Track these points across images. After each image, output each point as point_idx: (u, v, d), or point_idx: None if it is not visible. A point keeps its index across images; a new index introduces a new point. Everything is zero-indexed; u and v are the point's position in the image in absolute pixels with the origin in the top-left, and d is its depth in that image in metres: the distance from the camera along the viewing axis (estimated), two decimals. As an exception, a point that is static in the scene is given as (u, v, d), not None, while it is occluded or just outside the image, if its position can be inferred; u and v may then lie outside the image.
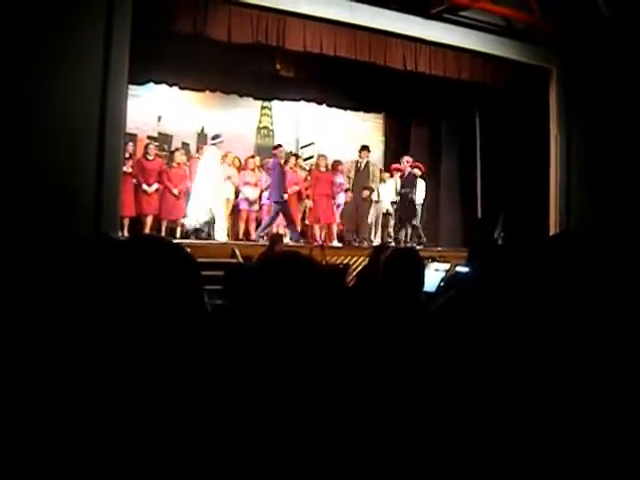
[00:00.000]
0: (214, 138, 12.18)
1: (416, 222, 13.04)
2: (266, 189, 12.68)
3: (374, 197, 13.20)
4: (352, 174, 12.88)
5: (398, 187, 13.18)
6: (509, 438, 1.78)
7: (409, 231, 13.42)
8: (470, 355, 2.01)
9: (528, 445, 1.75)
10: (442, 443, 1.81)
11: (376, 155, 13.91)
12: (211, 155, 11.96)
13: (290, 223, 12.23)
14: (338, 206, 13.23)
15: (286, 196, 12.07)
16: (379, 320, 2.67)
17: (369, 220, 13.21)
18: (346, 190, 13.04)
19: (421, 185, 13.50)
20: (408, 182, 12.91)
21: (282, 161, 12.27)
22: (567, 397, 1.77)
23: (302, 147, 14.89)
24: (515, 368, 1.87)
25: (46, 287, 1.75)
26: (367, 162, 13.04)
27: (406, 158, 13.23)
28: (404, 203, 12.89)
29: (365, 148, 13.12)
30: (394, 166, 13.53)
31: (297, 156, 13.45)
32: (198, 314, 1.69)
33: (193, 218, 11.75)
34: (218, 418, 1.55)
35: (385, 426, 1.88)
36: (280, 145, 12.70)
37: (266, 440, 1.60)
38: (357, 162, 13.02)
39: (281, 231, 11.99)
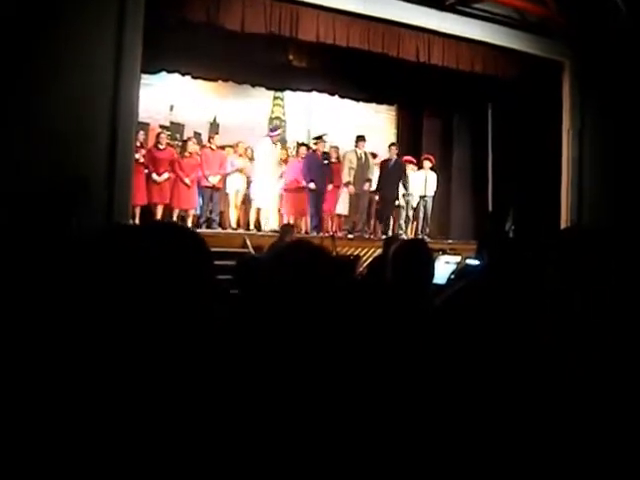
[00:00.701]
0: (272, 130, 12.45)
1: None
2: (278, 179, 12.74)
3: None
4: (354, 165, 12.76)
5: (410, 179, 13.17)
6: (511, 434, 1.79)
7: (420, 223, 13.43)
8: (475, 350, 2.01)
9: (529, 439, 1.76)
10: (446, 436, 1.82)
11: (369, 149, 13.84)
12: (265, 148, 12.25)
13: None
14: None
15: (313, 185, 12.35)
16: (387, 312, 2.68)
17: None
18: (346, 184, 12.92)
19: (432, 177, 13.48)
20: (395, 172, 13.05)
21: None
22: (568, 395, 1.78)
23: (314, 138, 14.88)
24: (518, 365, 1.88)
25: (59, 274, 1.75)
26: (365, 153, 13.05)
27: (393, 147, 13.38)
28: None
29: (361, 138, 13.07)
30: (406, 158, 13.49)
31: (307, 146, 13.43)
32: (212, 300, 1.68)
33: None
34: (228, 408, 1.55)
35: (391, 419, 1.88)
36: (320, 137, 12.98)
37: (275, 432, 1.61)
38: (356, 152, 12.91)
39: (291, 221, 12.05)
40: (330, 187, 12.90)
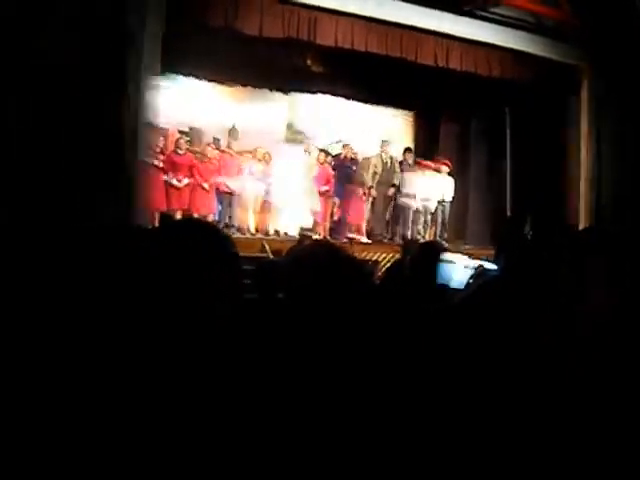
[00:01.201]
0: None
1: None
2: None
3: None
4: (379, 169, 12.78)
5: (428, 184, 13.19)
6: (511, 434, 1.79)
7: (438, 228, 13.42)
8: (484, 351, 2.02)
9: (529, 439, 1.76)
10: (450, 435, 1.83)
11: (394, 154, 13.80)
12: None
13: None
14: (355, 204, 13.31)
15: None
16: (404, 315, 2.69)
17: (387, 217, 13.28)
18: (369, 188, 12.95)
19: (450, 182, 13.47)
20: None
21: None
22: (567, 396, 1.78)
23: (343, 145, 14.92)
24: (523, 365, 1.88)
25: (86, 270, 1.77)
26: (391, 157, 13.05)
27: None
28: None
29: (386, 142, 13.14)
30: (424, 163, 13.47)
31: (327, 152, 13.44)
32: (215, 299, 1.68)
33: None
34: (231, 408, 1.56)
35: (402, 419, 1.89)
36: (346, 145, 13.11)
37: (283, 433, 1.62)
38: (381, 156, 12.94)
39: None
40: (360, 192, 12.96)
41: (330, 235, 12.79)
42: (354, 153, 13.41)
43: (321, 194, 12.54)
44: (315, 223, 12.46)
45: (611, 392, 1.76)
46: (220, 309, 1.63)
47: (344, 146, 13.27)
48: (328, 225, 12.94)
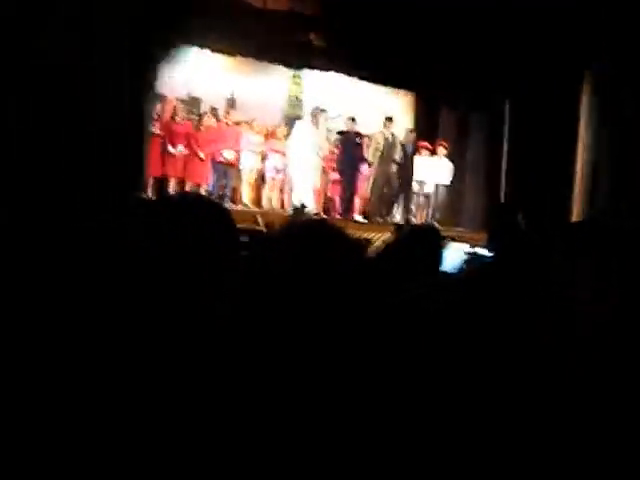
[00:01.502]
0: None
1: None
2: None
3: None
4: (381, 146, 12.73)
5: (425, 166, 13.19)
6: (509, 434, 1.80)
7: (431, 210, 13.44)
8: (475, 345, 2.02)
9: (528, 443, 1.77)
10: (444, 438, 1.83)
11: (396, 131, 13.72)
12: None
13: None
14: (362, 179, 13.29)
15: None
16: (392, 298, 2.68)
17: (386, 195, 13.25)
18: (369, 164, 12.96)
19: (447, 165, 13.46)
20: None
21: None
22: (566, 397, 1.79)
23: (332, 118, 14.87)
24: (518, 364, 1.89)
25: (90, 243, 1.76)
26: (393, 133, 13.00)
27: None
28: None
29: (390, 119, 13.05)
30: (421, 144, 13.45)
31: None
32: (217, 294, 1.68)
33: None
34: (226, 405, 1.55)
35: (394, 416, 1.89)
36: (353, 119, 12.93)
37: (276, 431, 1.61)
38: (384, 133, 12.89)
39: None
40: (365, 168, 12.97)
41: (324, 212, 12.82)
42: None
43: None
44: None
45: (610, 391, 1.77)
46: (221, 306, 1.63)
47: (351, 120, 13.09)
48: (322, 201, 12.93)
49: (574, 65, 11.49)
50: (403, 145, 13.00)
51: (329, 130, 13.79)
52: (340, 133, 12.88)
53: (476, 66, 12.13)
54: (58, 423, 1.41)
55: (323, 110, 12.46)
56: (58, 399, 1.43)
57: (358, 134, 12.87)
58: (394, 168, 12.82)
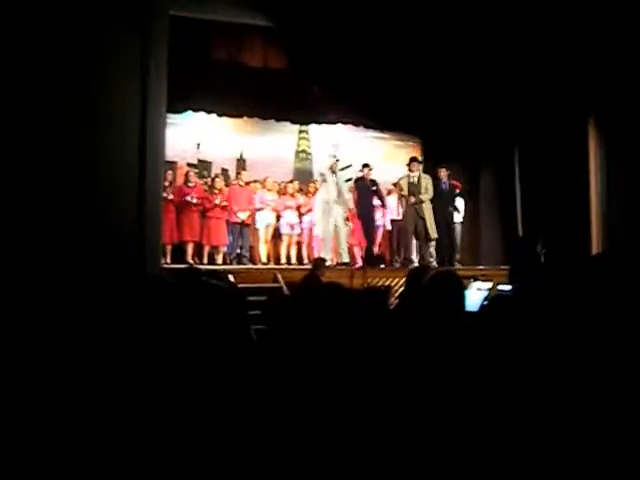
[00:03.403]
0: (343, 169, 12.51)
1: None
2: (307, 213, 12.80)
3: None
4: (405, 191, 12.60)
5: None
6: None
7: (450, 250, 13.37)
8: (505, 375, 2.01)
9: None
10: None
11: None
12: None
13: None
14: (378, 227, 13.28)
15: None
16: (421, 344, 2.67)
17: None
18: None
19: (460, 203, 13.45)
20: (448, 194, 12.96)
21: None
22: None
23: (340, 169, 14.94)
24: (552, 386, 1.87)
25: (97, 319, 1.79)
26: (419, 175, 12.64)
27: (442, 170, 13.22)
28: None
29: (414, 160, 12.87)
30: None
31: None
32: (244, 346, 1.73)
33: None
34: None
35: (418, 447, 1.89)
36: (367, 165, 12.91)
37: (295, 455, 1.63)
38: (409, 177, 12.60)
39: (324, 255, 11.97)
40: (381, 215, 13.06)
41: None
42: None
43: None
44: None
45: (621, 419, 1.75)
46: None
47: (365, 166, 12.98)
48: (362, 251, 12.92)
49: (579, 110, 11.52)
50: (437, 184, 12.86)
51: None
52: (357, 180, 12.87)
53: (482, 116, 12.28)
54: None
55: (337, 160, 12.44)
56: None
57: (373, 181, 12.83)
58: (411, 200, 12.58)
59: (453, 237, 13.36)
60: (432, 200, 12.51)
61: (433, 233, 12.42)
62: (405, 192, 12.47)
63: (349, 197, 12.52)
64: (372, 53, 11.85)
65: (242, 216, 12.24)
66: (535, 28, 10.52)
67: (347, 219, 12.38)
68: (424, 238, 12.55)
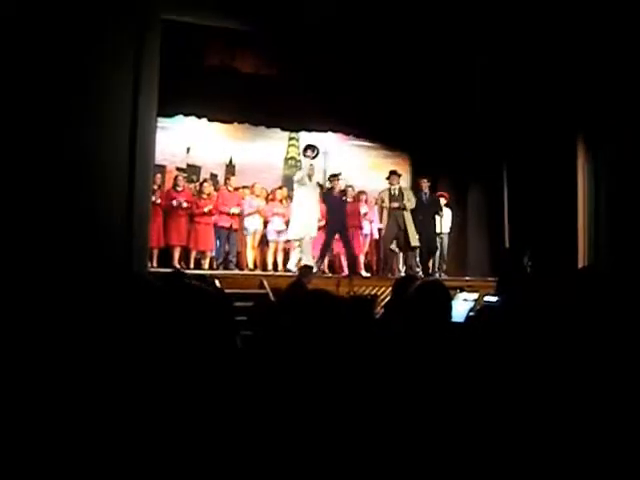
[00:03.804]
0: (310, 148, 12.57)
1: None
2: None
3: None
4: (386, 203, 12.73)
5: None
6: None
7: (436, 261, 13.41)
8: (496, 387, 2.01)
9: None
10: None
11: (403, 185, 13.71)
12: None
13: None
14: (365, 236, 13.29)
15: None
16: (405, 355, 2.68)
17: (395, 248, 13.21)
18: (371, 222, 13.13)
19: (447, 214, 13.50)
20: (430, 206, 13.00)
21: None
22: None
23: (329, 178, 14.97)
24: (540, 400, 1.88)
25: (81, 323, 1.78)
26: (400, 187, 12.85)
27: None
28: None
29: (393, 172, 13.02)
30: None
31: (322, 186, 13.49)
32: (229, 351, 1.74)
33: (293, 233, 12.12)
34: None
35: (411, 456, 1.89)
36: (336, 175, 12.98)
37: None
38: (389, 190, 12.80)
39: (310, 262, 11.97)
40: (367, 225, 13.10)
41: (330, 269, 12.85)
42: (348, 187, 13.35)
43: (319, 228, 12.51)
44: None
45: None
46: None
47: (334, 176, 13.08)
48: (327, 260, 12.94)
49: (568, 127, 11.59)
50: (419, 195, 12.96)
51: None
52: (325, 192, 12.94)
53: (472, 131, 12.36)
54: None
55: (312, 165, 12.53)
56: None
57: (342, 191, 12.92)
58: (409, 221, 12.69)
59: (441, 247, 13.43)
60: (414, 211, 12.69)
61: (414, 241, 12.60)
62: (387, 204, 12.68)
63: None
64: (363, 65, 11.92)
65: (234, 210, 12.22)
66: (524, 46, 10.59)
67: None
68: (405, 247, 12.78)
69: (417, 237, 12.62)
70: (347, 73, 11.92)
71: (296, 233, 12.09)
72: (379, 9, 9.61)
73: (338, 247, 12.85)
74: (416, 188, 13.42)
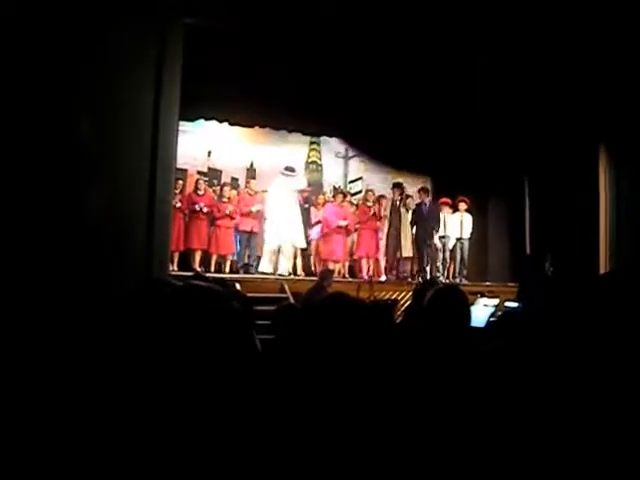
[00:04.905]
0: (288, 169, 12.59)
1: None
2: (316, 224, 12.81)
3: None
4: (388, 212, 13.15)
5: (446, 221, 13.19)
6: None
7: (457, 266, 13.38)
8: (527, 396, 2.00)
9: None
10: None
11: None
12: (280, 185, 12.38)
13: None
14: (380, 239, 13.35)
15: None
16: (426, 358, 2.67)
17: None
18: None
19: (468, 220, 13.45)
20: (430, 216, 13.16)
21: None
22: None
23: (350, 182, 14.96)
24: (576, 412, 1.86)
25: (98, 326, 1.79)
26: (401, 198, 13.36)
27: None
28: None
29: (397, 185, 13.51)
30: (442, 200, 13.48)
31: (344, 194, 13.55)
32: (247, 357, 1.74)
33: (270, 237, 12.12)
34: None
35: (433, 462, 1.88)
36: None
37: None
38: (392, 199, 13.33)
39: (330, 266, 11.98)
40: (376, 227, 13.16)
41: (350, 274, 12.86)
42: (369, 192, 13.44)
43: (339, 231, 12.52)
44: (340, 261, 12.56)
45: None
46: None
47: (366, 192, 13.37)
48: (347, 264, 12.96)
49: (590, 137, 11.52)
50: (420, 205, 13.06)
51: (351, 193, 14.06)
52: (352, 194, 13.16)
53: (491, 150, 12.34)
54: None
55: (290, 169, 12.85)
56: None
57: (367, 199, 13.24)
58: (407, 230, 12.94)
59: (461, 253, 13.42)
60: (413, 222, 13.11)
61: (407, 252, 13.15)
62: (388, 213, 13.17)
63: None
64: (379, 97, 12.00)
65: (257, 207, 12.36)
66: (547, 58, 10.52)
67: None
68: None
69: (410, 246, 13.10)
70: (367, 86, 11.92)
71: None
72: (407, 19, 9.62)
73: (359, 251, 12.87)
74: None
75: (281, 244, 12.08)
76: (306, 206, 12.79)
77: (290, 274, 12.00)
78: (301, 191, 12.97)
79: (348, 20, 9.47)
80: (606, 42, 9.84)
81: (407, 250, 13.06)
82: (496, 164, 13.05)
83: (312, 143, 15.14)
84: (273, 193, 12.50)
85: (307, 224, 12.78)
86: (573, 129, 11.40)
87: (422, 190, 13.34)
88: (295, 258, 12.45)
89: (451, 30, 9.72)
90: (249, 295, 6.16)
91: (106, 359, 1.67)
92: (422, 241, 12.86)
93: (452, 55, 10.58)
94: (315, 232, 12.93)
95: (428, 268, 13.01)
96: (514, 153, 12.61)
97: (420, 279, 12.29)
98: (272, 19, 9.43)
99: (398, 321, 5.69)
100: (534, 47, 10.22)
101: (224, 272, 11.81)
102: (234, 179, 13.96)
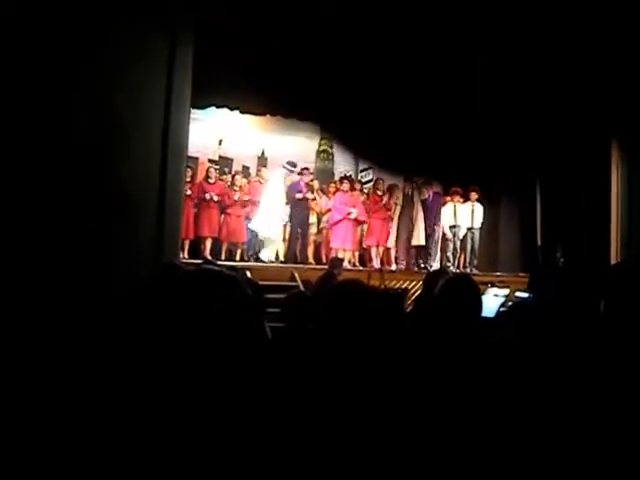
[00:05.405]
0: (289, 164, 12.53)
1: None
2: (326, 212, 12.78)
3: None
4: (400, 201, 13.06)
5: (457, 211, 13.18)
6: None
7: (467, 256, 13.35)
8: (535, 386, 2.00)
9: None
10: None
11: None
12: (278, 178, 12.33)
13: None
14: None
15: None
16: (436, 346, 2.67)
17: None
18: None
19: (479, 209, 13.40)
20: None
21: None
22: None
23: (361, 171, 14.92)
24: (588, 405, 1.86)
25: (111, 311, 1.79)
26: (412, 188, 13.28)
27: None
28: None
29: (407, 178, 13.44)
30: (453, 189, 13.43)
31: (352, 180, 13.53)
32: (257, 342, 1.73)
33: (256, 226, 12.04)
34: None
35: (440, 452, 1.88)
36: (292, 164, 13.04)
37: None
38: (403, 188, 13.26)
39: (340, 255, 11.96)
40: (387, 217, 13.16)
41: (361, 263, 12.85)
42: (379, 180, 13.39)
43: (348, 219, 12.48)
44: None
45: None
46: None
47: (290, 164, 13.05)
48: (357, 253, 12.95)
49: (602, 133, 11.48)
50: (425, 199, 13.09)
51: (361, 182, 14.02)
52: (349, 181, 13.15)
53: (504, 142, 12.28)
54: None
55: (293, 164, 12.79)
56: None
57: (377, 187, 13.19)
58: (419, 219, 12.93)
59: (472, 242, 13.38)
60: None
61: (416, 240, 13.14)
62: (400, 201, 13.12)
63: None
64: (387, 97, 11.96)
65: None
66: (557, 55, 10.47)
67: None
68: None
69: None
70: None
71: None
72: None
73: (369, 240, 12.86)
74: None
75: (260, 232, 12.09)
76: (308, 195, 12.63)
77: (271, 262, 12.01)
78: (303, 169, 12.85)
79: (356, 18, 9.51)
80: (617, 37, 9.79)
81: (417, 239, 13.02)
82: (509, 157, 12.98)
83: (323, 131, 15.09)
84: (269, 183, 12.42)
85: (305, 217, 12.69)
86: (586, 124, 11.35)
87: (425, 182, 13.32)
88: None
89: (467, 24, 9.72)
90: (261, 283, 6.16)
91: (117, 345, 1.68)
92: (427, 233, 12.94)
93: (459, 52, 10.57)
94: (325, 220, 12.89)
95: (437, 258, 13.03)
96: (527, 147, 12.54)
97: (425, 266, 12.42)
98: (282, 11, 9.47)
99: (408, 310, 5.69)
100: (548, 44, 10.19)
101: (235, 260, 11.82)
102: (245, 167, 13.96)
